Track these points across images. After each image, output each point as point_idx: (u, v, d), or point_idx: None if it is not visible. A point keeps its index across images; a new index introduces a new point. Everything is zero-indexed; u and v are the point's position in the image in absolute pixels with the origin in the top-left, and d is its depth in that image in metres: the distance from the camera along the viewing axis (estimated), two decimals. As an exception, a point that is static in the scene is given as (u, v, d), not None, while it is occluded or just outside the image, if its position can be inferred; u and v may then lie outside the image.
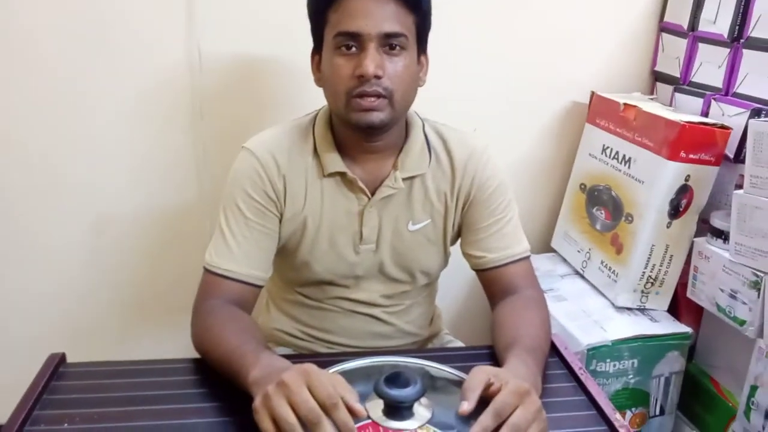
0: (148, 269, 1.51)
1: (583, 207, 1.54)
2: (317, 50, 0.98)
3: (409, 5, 0.92)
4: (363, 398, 0.73)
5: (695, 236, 1.36)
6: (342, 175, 0.99)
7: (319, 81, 0.99)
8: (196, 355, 0.91)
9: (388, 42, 0.90)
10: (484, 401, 0.69)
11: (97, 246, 1.47)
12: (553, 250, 1.66)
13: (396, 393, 0.69)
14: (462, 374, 0.81)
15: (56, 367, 0.85)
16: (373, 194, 1.00)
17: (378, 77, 0.89)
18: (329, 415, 0.65)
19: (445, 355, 0.99)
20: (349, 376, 0.73)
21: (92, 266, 1.48)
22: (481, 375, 0.71)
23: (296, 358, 1.02)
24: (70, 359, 0.89)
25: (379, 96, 0.90)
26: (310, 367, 0.69)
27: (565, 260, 1.61)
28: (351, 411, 0.66)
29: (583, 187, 1.55)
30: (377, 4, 0.89)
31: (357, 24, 0.89)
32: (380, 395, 0.69)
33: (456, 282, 1.61)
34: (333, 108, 0.97)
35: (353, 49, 0.90)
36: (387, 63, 0.90)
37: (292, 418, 0.65)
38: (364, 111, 0.91)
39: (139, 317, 1.56)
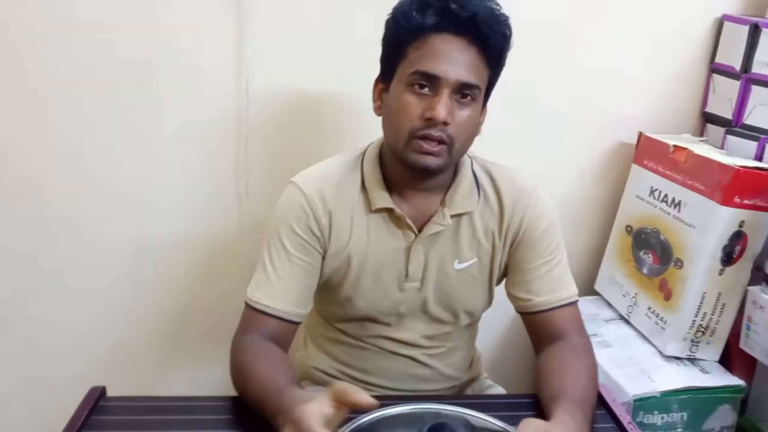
0: (188, 300, 1.52)
1: (629, 250, 1.50)
2: (384, 79, 0.97)
3: (489, 60, 0.92)
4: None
5: (749, 284, 1.30)
6: (389, 211, 0.98)
7: (379, 110, 0.99)
8: (232, 391, 0.90)
9: (462, 91, 0.90)
10: None
11: (136, 276, 1.48)
12: (597, 293, 1.61)
13: (441, 446, 0.66)
14: (505, 425, 0.78)
15: (96, 401, 0.85)
16: (420, 231, 0.99)
17: (446, 123, 0.89)
18: None
19: (487, 403, 0.96)
20: (390, 422, 0.71)
21: (132, 296, 1.49)
22: (532, 428, 0.70)
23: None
24: (109, 389, 0.89)
25: (441, 142, 0.90)
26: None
27: (609, 304, 1.56)
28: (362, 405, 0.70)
29: (629, 229, 1.51)
30: (461, 53, 0.89)
31: (438, 67, 0.88)
32: (425, 447, 0.67)
33: (496, 323, 1.57)
34: (391, 142, 0.96)
35: (426, 89, 0.90)
36: (456, 111, 0.90)
37: None
38: (424, 153, 0.90)
39: (177, 348, 1.56)
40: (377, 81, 0.99)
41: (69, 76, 1.32)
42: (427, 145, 0.90)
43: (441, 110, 0.88)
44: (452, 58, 0.88)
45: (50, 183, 1.39)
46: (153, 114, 1.37)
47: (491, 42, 0.90)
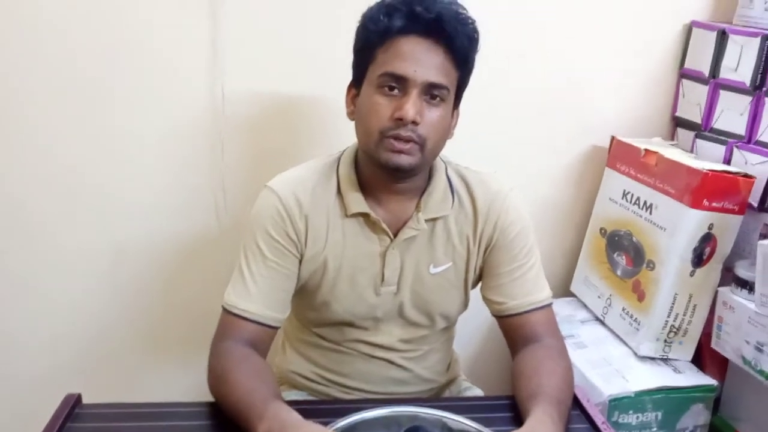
0: (165, 303, 1.51)
1: (603, 252, 1.52)
2: (356, 84, 0.99)
3: (457, 61, 0.93)
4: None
5: (719, 285, 1.33)
6: (365, 216, 0.99)
7: (352, 114, 1.00)
8: (208, 395, 0.90)
9: (431, 92, 0.92)
10: None
11: (113, 280, 1.47)
12: (573, 295, 1.63)
13: (416, 448, 0.67)
14: (481, 427, 0.79)
15: (72, 408, 0.85)
16: (395, 235, 1.00)
17: (415, 123, 0.90)
18: None
19: (464, 405, 0.97)
20: (367, 426, 0.72)
21: (108, 299, 1.48)
22: None
23: (310, 404, 1.01)
24: (84, 393, 0.88)
25: (412, 141, 0.91)
26: None
27: (584, 305, 1.58)
28: None
29: (603, 231, 1.53)
30: (428, 54, 0.91)
31: (405, 68, 0.90)
32: (401, 449, 0.68)
33: (473, 326, 1.58)
34: (363, 144, 0.97)
35: (396, 91, 0.91)
36: (426, 111, 0.91)
37: None
38: (395, 152, 0.91)
39: (154, 353, 1.55)
40: (349, 87, 1.01)
41: (44, 78, 1.31)
42: (398, 144, 0.91)
43: (410, 110, 0.89)
44: (420, 59, 0.90)
45: (25, 185, 1.38)
46: (129, 117, 1.37)
47: (457, 43, 0.91)
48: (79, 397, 0.87)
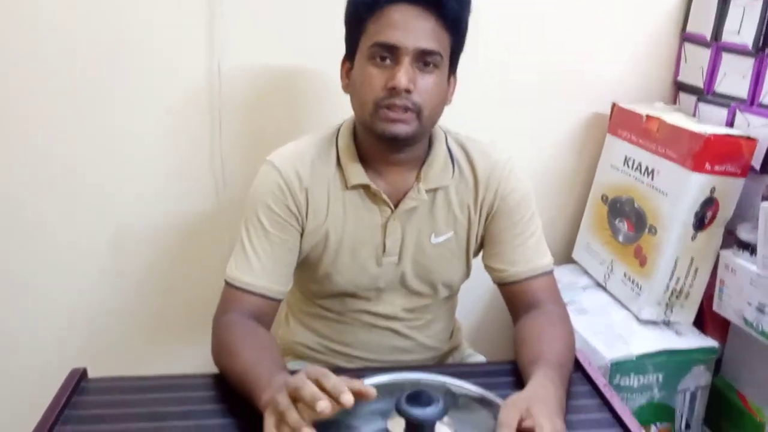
0: (166, 281, 1.52)
1: (605, 218, 1.52)
2: (349, 57, 0.98)
3: (448, 25, 0.92)
4: (384, 415, 0.73)
5: (721, 248, 1.33)
6: (365, 187, 0.99)
7: (347, 88, 0.99)
8: (214, 369, 0.91)
9: (423, 59, 0.91)
10: None
11: (115, 259, 1.48)
12: (575, 262, 1.64)
13: (418, 412, 0.68)
14: (484, 391, 0.80)
15: (78, 383, 0.86)
16: (396, 206, 1.00)
17: (408, 91, 0.90)
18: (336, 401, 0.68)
19: (466, 371, 0.98)
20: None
21: (110, 279, 1.49)
22: (514, 412, 0.72)
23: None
24: (89, 374, 0.89)
25: (407, 109, 0.91)
26: (313, 367, 0.73)
27: (586, 272, 1.59)
28: (363, 394, 0.70)
29: (604, 198, 1.53)
30: (417, 21, 0.90)
31: (395, 37, 0.89)
32: (402, 414, 0.69)
33: (476, 294, 1.59)
34: (359, 116, 0.97)
35: (387, 61, 0.91)
36: (419, 79, 0.91)
37: (295, 416, 0.68)
38: (391, 122, 0.91)
39: (156, 330, 1.56)
40: (343, 60, 1.00)
41: (38, 61, 1.30)
42: (393, 114, 0.90)
43: (402, 78, 0.88)
44: (409, 26, 0.89)
45: (26, 169, 1.38)
46: (125, 98, 1.36)
47: (447, 6, 0.90)
48: (84, 371, 0.88)
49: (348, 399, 0.68)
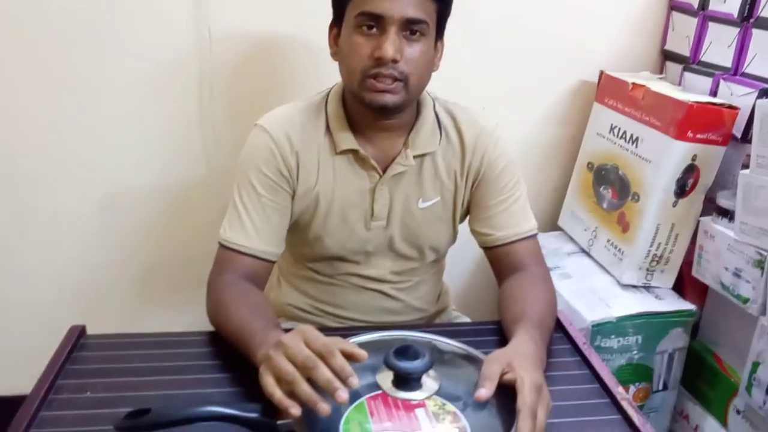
0: (157, 244, 1.54)
1: (590, 186, 1.55)
2: (336, 23, 0.99)
3: None
4: (373, 370, 0.76)
5: (701, 215, 1.37)
6: (354, 152, 1.01)
7: (335, 55, 1.00)
8: (208, 327, 0.93)
9: (409, 27, 0.91)
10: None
11: (106, 221, 1.49)
12: (560, 229, 1.67)
13: (405, 365, 0.71)
14: (468, 348, 0.83)
15: (77, 339, 0.88)
16: (384, 171, 1.02)
17: (395, 61, 0.90)
18: (327, 363, 0.68)
19: (452, 330, 1.02)
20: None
21: (102, 241, 1.51)
22: (496, 366, 0.75)
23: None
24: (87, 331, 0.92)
25: (394, 79, 0.92)
26: (307, 327, 0.74)
27: (571, 238, 1.63)
28: (353, 356, 0.70)
29: (590, 166, 1.56)
30: None
31: (381, 6, 0.89)
32: (390, 367, 0.72)
33: (463, 258, 1.63)
34: (347, 84, 0.98)
35: (374, 29, 0.91)
36: (405, 47, 0.92)
37: (290, 368, 0.69)
38: (379, 92, 0.92)
39: (148, 292, 1.59)
40: (331, 27, 1.01)
41: (24, 24, 1.30)
42: (380, 84, 0.92)
43: (388, 48, 0.89)
44: None
45: (16, 132, 1.38)
46: (114, 63, 1.36)
47: None
48: (83, 329, 0.91)
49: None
